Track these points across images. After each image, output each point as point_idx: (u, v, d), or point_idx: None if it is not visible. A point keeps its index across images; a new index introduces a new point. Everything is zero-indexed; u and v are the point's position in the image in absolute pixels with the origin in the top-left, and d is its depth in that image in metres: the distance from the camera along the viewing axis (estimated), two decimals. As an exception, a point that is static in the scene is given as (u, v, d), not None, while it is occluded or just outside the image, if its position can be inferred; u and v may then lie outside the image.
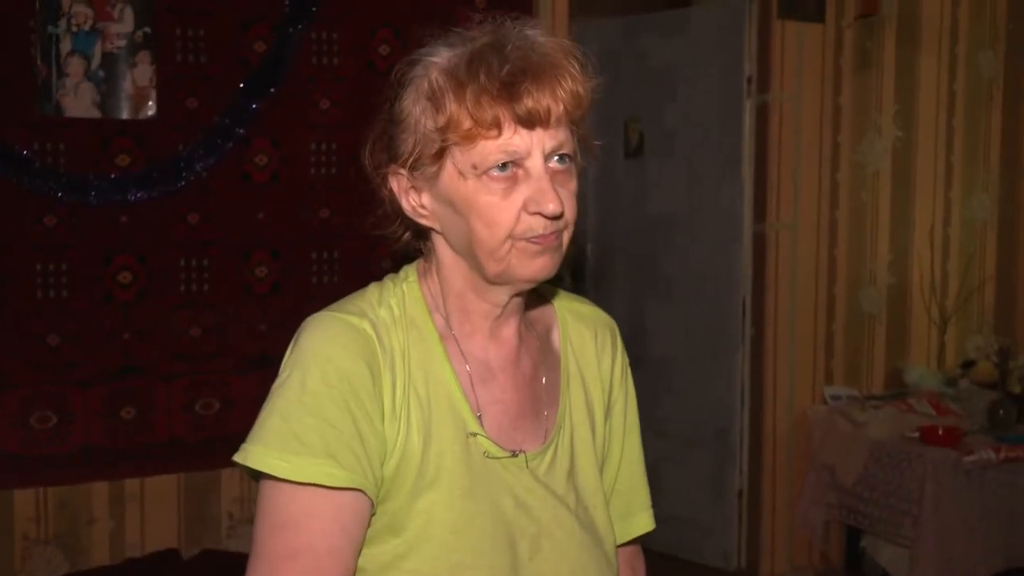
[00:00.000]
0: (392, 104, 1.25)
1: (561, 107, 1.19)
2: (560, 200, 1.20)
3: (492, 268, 1.23)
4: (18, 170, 3.24)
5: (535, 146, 1.20)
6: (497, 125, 1.18)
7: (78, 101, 3.32)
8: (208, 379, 3.49)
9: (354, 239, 3.65)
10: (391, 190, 1.28)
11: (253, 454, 1.17)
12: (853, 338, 4.53)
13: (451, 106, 1.18)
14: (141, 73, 3.38)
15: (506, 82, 1.17)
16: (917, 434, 3.93)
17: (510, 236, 1.20)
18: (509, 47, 1.18)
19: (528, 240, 1.21)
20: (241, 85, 3.47)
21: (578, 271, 5.01)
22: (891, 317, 4.61)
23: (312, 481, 1.15)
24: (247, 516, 3.53)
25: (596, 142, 1.30)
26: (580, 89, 1.21)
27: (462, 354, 1.29)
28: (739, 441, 4.47)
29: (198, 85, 3.44)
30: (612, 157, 4.81)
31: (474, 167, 1.19)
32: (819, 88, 4.37)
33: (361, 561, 1.21)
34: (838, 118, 4.43)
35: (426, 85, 1.21)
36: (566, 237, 1.24)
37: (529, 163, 1.20)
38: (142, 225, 3.41)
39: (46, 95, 3.28)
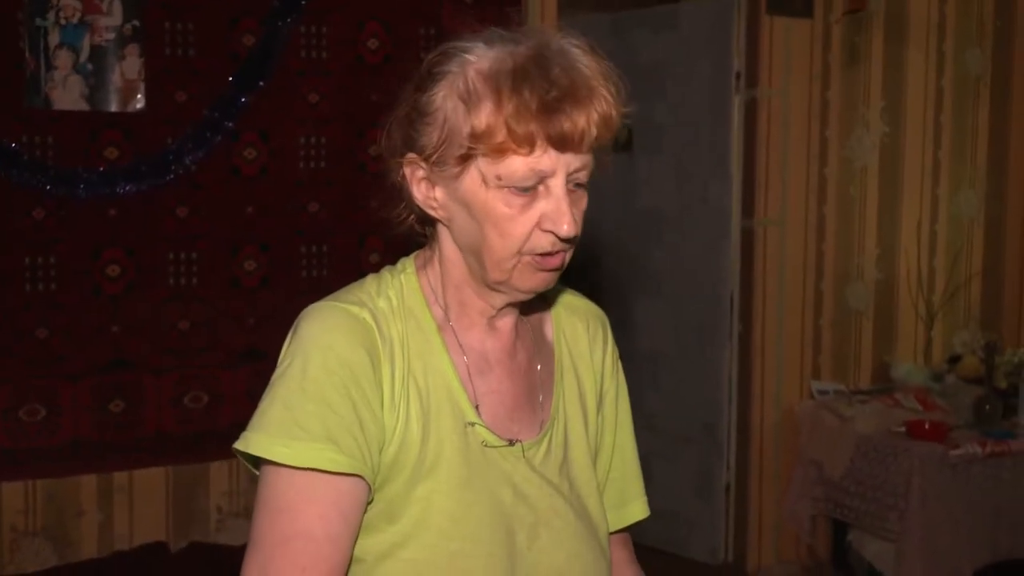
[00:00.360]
0: (421, 93, 1.23)
1: (594, 132, 1.19)
2: (576, 223, 1.21)
3: (494, 275, 1.24)
4: (6, 163, 3.23)
5: (561, 167, 1.19)
6: (530, 143, 1.17)
7: (66, 94, 3.31)
8: (197, 373, 3.48)
9: (343, 233, 3.65)
10: (404, 176, 1.27)
11: (254, 442, 1.17)
12: (840, 333, 4.55)
13: (487, 115, 1.17)
14: (130, 66, 3.38)
15: (547, 102, 1.15)
16: (903, 429, 3.94)
17: (520, 250, 1.21)
18: (556, 69, 1.17)
19: (535, 256, 1.22)
20: (230, 79, 3.47)
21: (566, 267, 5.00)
22: (878, 312, 4.62)
23: (313, 466, 1.15)
24: (235, 509, 3.53)
25: (609, 157, 1.28)
26: (613, 114, 1.21)
27: (460, 345, 1.30)
28: (727, 436, 4.48)
29: (187, 79, 3.44)
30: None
31: (499, 178, 1.19)
32: (807, 84, 4.38)
33: (358, 552, 1.21)
34: (826, 114, 4.43)
35: (461, 84, 1.19)
36: (568, 257, 1.25)
37: (552, 182, 1.20)
38: (131, 219, 3.41)
39: (34, 88, 3.28)
